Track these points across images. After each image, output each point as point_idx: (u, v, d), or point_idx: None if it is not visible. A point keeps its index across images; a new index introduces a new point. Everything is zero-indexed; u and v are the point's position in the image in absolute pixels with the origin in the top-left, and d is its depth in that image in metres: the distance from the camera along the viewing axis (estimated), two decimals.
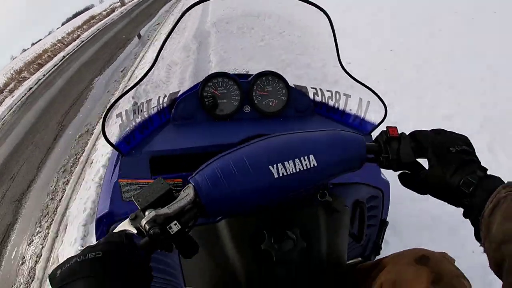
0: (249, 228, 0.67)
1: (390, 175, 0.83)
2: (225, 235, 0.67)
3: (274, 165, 0.53)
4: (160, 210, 0.48)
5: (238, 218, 0.69)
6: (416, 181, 0.62)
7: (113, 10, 21.43)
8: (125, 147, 0.84)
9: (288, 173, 0.53)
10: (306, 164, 0.54)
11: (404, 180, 0.63)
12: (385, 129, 0.62)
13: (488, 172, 0.58)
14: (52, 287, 0.41)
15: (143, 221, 0.46)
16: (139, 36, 9.75)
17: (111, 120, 0.84)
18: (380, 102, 0.92)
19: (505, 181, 0.56)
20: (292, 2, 0.76)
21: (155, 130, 0.96)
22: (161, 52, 0.79)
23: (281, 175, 0.53)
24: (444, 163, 0.59)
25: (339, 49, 0.89)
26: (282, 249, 0.64)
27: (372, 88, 0.92)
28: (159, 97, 1.00)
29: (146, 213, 0.47)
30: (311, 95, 1.10)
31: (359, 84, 0.93)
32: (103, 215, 0.80)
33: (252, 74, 1.05)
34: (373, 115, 0.96)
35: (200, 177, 0.52)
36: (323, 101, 1.08)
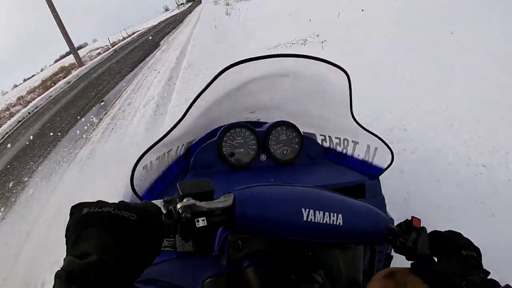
0: (275, 272, 0.69)
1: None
2: (251, 283, 0.69)
3: (307, 209, 0.57)
4: (198, 202, 0.52)
5: (263, 264, 0.71)
6: (425, 273, 0.65)
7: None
8: (149, 198, 0.86)
9: (316, 221, 0.57)
10: (333, 220, 0.59)
11: (415, 268, 0.67)
12: (410, 218, 0.68)
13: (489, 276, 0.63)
14: (71, 217, 0.43)
15: (179, 205, 0.51)
16: None
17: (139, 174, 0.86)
18: (387, 149, 1.00)
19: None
20: (315, 63, 0.84)
21: (175, 179, 0.99)
22: (191, 108, 0.84)
23: (309, 219, 0.57)
24: (454, 262, 0.63)
25: (352, 102, 0.97)
26: None
27: (380, 136, 1.00)
28: (178, 146, 1.04)
29: (184, 200, 0.52)
30: (319, 141, 1.17)
31: (366, 132, 1.01)
32: None
33: (262, 121, 1.12)
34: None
35: (242, 192, 0.57)
36: (331, 147, 1.15)
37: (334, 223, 0.59)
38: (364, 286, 0.89)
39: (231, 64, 0.82)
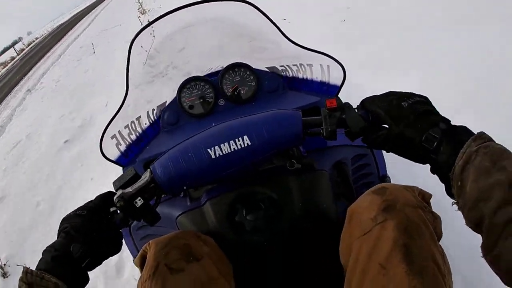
0: (227, 205, 0.78)
1: None
2: (209, 215, 0.79)
3: (212, 148, 0.63)
4: (126, 190, 0.63)
5: (218, 198, 0.80)
6: (377, 143, 0.61)
7: None
8: (123, 160, 1.00)
9: (224, 153, 0.63)
10: (240, 144, 0.63)
11: (367, 141, 0.63)
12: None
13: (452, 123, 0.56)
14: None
15: (115, 198, 0.62)
16: None
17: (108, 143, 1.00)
18: (338, 65, 0.97)
19: (472, 131, 0.53)
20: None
21: (150, 141, 1.11)
22: (129, 77, 0.93)
23: (217, 155, 0.63)
24: (398, 120, 0.57)
25: (279, 28, 0.95)
26: (252, 219, 0.75)
27: (326, 52, 0.97)
28: (148, 111, 1.15)
29: (117, 192, 0.63)
30: (283, 73, 1.17)
31: (312, 52, 0.98)
32: None
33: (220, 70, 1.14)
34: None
35: (157, 164, 0.66)
36: (293, 75, 1.15)
37: (243, 146, 0.63)
38: (345, 209, 0.93)
39: (145, 25, 0.87)
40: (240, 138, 0.63)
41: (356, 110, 0.64)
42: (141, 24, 6.27)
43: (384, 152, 1.07)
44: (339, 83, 0.99)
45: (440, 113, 0.58)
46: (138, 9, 9.16)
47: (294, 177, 0.81)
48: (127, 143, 1.05)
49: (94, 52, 7.79)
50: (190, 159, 0.64)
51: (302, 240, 0.79)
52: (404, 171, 1.55)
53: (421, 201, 0.65)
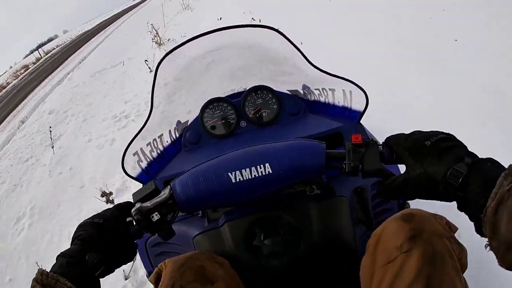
0: (245, 228, 0.78)
1: None
2: (227, 237, 0.79)
3: (233, 173, 0.63)
4: (144, 203, 0.64)
5: (237, 221, 0.79)
6: (394, 187, 0.58)
7: None
8: (144, 177, 1.02)
9: (244, 179, 0.63)
10: (261, 172, 0.63)
11: (381, 191, 0.61)
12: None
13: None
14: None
15: (132, 210, 0.63)
16: None
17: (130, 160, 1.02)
18: (360, 91, 0.96)
19: (502, 164, 0.50)
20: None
21: (170, 159, 1.13)
22: (153, 97, 0.96)
23: (237, 180, 0.63)
24: (421, 158, 0.55)
25: (303, 53, 0.96)
26: (270, 243, 0.74)
27: (348, 78, 0.96)
28: (170, 130, 1.18)
29: (136, 205, 0.64)
30: (304, 97, 1.17)
31: (335, 77, 0.98)
32: None
33: (242, 91, 1.17)
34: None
35: (177, 182, 0.66)
36: (315, 99, 1.15)
37: (264, 173, 0.63)
38: (364, 235, 0.91)
39: (173, 48, 0.90)
40: (262, 165, 0.63)
41: (381, 147, 0.62)
42: (153, 61, 5.27)
43: None
44: (361, 109, 0.98)
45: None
46: (153, 39, 6.72)
47: (314, 203, 0.80)
48: (148, 160, 1.07)
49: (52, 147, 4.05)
50: (210, 181, 0.64)
51: (319, 266, 0.78)
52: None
53: (448, 231, 0.63)
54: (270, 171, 0.63)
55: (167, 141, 1.16)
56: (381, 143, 0.64)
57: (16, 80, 16.40)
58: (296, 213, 0.78)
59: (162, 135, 1.14)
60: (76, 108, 5.42)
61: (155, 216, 0.63)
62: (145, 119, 1.04)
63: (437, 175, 0.52)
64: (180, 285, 0.64)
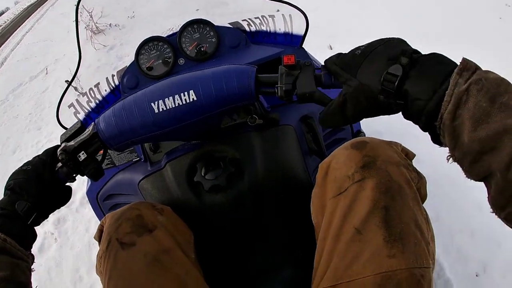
0: (186, 167, 0.76)
1: None
2: (169, 178, 0.77)
3: (155, 102, 0.60)
4: (69, 143, 0.61)
5: (178, 160, 0.77)
6: (332, 110, 0.50)
7: None
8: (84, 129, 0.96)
9: (168, 107, 0.59)
10: (185, 99, 0.59)
11: (321, 118, 0.53)
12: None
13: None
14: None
15: (58, 151, 0.61)
16: None
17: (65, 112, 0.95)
18: (300, 13, 0.92)
19: (450, 59, 0.42)
20: None
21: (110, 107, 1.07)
22: (80, 42, 0.87)
23: (160, 110, 0.59)
24: (354, 71, 0.47)
25: None
26: (210, 178, 0.73)
27: (287, 0, 0.92)
28: (107, 78, 1.09)
29: (61, 145, 0.61)
30: (246, 28, 1.11)
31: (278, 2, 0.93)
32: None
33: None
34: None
35: (101, 118, 0.63)
36: (257, 29, 1.09)
37: (188, 101, 0.59)
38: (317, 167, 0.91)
39: None
40: (186, 93, 0.59)
41: (319, 71, 0.57)
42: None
43: None
44: (302, 33, 0.95)
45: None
46: (87, 26, 3.87)
47: (257, 134, 0.78)
48: (86, 111, 1.01)
49: None
50: (133, 114, 0.60)
51: (269, 199, 0.77)
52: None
53: (405, 159, 0.59)
54: (195, 98, 0.59)
55: (105, 90, 1.08)
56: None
57: None
58: (238, 145, 0.76)
59: (98, 83, 1.06)
60: None
61: (82, 156, 0.61)
62: (75, 69, 0.95)
63: (372, 84, 0.44)
64: (117, 238, 0.61)
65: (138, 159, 0.87)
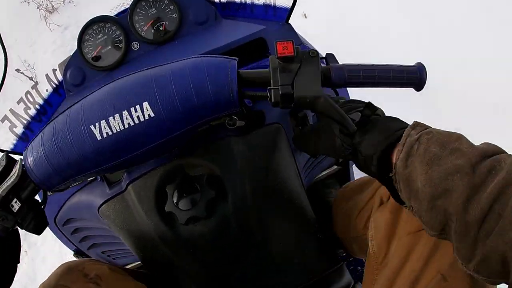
0: (154, 189, 0.60)
1: None
2: (134, 204, 0.61)
3: (96, 124, 0.43)
4: None
5: (142, 180, 0.61)
6: (300, 136, 0.54)
7: None
8: (22, 145, 0.77)
9: (114, 131, 0.43)
10: (138, 117, 0.42)
11: (294, 139, 0.57)
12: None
13: None
14: None
15: None
16: None
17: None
18: None
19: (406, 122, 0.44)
20: None
21: (55, 112, 0.87)
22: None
23: (104, 135, 0.43)
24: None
25: None
26: (185, 207, 0.57)
27: None
28: (47, 74, 0.88)
29: None
30: None
31: None
32: None
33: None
34: None
35: (28, 150, 0.47)
36: (228, 0, 0.89)
37: (142, 119, 0.42)
38: (308, 164, 0.77)
39: None
40: (137, 107, 0.43)
41: (323, 64, 0.44)
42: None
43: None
44: (289, 4, 0.76)
45: None
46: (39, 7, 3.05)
47: (238, 139, 0.62)
48: (25, 122, 0.80)
49: None
50: (68, 143, 0.44)
51: (262, 219, 0.64)
52: None
53: None
54: (151, 114, 0.43)
55: (46, 90, 0.87)
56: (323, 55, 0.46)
57: None
58: (216, 156, 0.60)
59: (37, 83, 0.85)
60: None
61: (15, 205, 0.45)
62: (3, 71, 0.73)
63: (334, 126, 0.46)
64: None
65: (93, 178, 0.69)
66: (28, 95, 0.82)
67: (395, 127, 0.42)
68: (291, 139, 0.68)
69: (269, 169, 0.64)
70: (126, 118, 0.42)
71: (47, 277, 0.56)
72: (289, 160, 0.68)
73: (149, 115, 0.42)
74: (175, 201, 0.57)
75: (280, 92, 0.42)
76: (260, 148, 0.63)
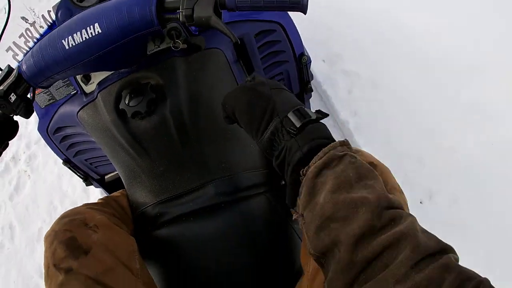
0: (115, 95, 0.80)
1: None
2: (101, 107, 0.81)
3: (66, 39, 0.64)
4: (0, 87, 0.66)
5: (107, 89, 0.80)
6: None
7: None
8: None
9: (77, 43, 0.63)
10: (91, 33, 0.62)
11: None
12: None
13: None
14: None
15: None
16: None
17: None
18: None
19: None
20: None
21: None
22: None
23: (70, 46, 0.63)
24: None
25: None
26: (132, 104, 0.77)
27: None
28: (43, 15, 1.06)
29: None
30: None
31: None
32: None
33: None
34: None
35: (24, 59, 0.68)
36: None
37: (93, 34, 0.62)
38: None
39: None
40: (91, 27, 0.62)
41: None
42: None
43: (297, 27, 0.98)
44: None
45: None
46: None
47: (182, 59, 0.78)
48: (25, 51, 1.00)
49: None
50: (48, 52, 0.65)
51: (199, 123, 0.78)
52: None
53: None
54: (100, 31, 0.62)
55: (41, 27, 1.06)
56: None
57: None
58: (162, 71, 0.77)
59: (34, 22, 1.04)
60: None
61: (12, 97, 0.65)
62: (7, 12, 0.93)
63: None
64: (54, 264, 0.59)
65: (75, 91, 0.89)
66: (28, 31, 1.02)
67: (323, 135, 0.42)
68: (233, 62, 0.86)
69: (205, 82, 0.80)
70: (83, 34, 0.63)
71: (50, 226, 0.67)
72: (228, 78, 0.84)
73: (98, 31, 0.62)
74: (126, 101, 0.78)
75: (184, 13, 0.57)
76: (197, 65, 0.79)
